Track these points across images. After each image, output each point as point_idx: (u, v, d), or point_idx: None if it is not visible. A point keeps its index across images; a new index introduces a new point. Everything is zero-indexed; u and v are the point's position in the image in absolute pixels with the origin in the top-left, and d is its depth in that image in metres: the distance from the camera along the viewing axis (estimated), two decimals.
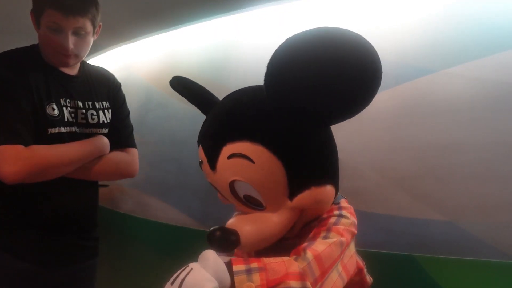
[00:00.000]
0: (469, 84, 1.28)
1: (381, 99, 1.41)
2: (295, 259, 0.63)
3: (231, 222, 0.70)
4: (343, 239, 0.68)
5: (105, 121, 1.20)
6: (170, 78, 0.95)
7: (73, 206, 1.13)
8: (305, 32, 0.64)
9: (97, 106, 1.18)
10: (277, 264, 0.61)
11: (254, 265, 0.60)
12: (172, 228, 2.10)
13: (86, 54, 1.13)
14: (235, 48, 1.92)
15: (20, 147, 0.95)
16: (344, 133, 1.41)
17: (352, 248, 0.74)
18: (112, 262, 2.40)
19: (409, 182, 1.36)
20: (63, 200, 1.10)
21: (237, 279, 0.59)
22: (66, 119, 1.09)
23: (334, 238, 0.67)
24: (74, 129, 1.11)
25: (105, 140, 1.14)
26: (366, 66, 0.64)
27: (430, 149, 1.33)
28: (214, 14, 1.95)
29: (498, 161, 1.22)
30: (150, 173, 2.28)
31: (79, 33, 1.03)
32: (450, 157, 1.30)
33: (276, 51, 0.64)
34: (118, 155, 1.22)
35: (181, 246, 1.99)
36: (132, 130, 1.36)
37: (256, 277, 0.59)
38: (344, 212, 0.74)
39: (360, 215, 1.42)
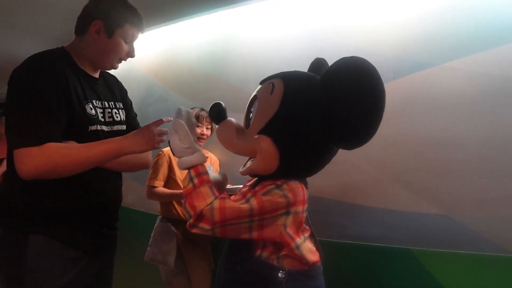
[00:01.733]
0: (468, 78, 1.28)
1: None
2: (220, 198, 0.89)
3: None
4: (255, 207, 0.87)
5: (123, 119, 1.32)
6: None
7: (108, 196, 1.23)
8: (357, 59, 0.89)
9: (117, 105, 1.30)
10: (200, 194, 0.90)
11: (196, 180, 0.92)
12: None
13: None
14: (234, 42, 1.92)
15: (34, 148, 1.02)
16: None
17: (278, 219, 0.90)
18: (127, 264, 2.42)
19: (407, 176, 1.37)
20: (100, 190, 1.18)
21: (187, 176, 0.94)
22: (100, 119, 1.20)
23: (248, 204, 0.87)
24: (108, 127, 1.22)
25: (128, 142, 1.15)
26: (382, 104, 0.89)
27: (428, 143, 1.34)
28: (214, 8, 1.95)
29: (495, 156, 1.23)
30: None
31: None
32: (448, 152, 1.30)
33: (340, 62, 0.89)
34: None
35: None
36: None
37: (188, 186, 0.92)
38: (284, 186, 0.90)
39: (358, 209, 1.45)
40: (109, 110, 1.26)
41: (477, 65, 1.26)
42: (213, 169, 1.84)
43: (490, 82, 1.24)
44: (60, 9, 2.02)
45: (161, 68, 2.27)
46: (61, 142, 1.05)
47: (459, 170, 1.28)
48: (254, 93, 1.00)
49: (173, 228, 1.79)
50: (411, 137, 1.33)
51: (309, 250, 0.94)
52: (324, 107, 0.88)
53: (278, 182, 0.91)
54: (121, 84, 1.42)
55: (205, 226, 0.87)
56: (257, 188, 0.93)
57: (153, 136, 1.11)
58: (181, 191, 1.60)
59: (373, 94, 0.85)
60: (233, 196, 0.94)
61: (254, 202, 0.87)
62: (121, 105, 1.34)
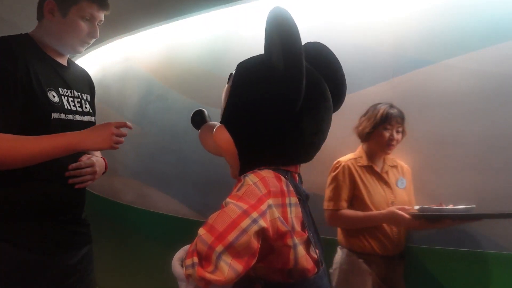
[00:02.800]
0: (466, 76, 1.28)
1: (377, 91, 1.42)
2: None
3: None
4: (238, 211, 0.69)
5: (92, 112, 1.26)
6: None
7: (65, 192, 1.13)
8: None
9: (84, 97, 1.24)
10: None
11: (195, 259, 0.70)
12: (172, 218, 2.12)
13: None
14: (234, 40, 1.92)
15: None
16: (341, 124, 1.41)
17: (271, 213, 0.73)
18: (113, 252, 2.43)
19: None
20: (55, 186, 1.10)
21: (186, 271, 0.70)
22: (65, 107, 1.13)
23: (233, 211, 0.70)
24: (75, 117, 1.15)
25: (82, 138, 1.07)
26: None
27: (426, 140, 1.34)
28: (214, 6, 1.95)
29: (493, 153, 1.23)
30: (150, 164, 2.29)
31: (98, 25, 1.18)
32: (446, 148, 1.30)
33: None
34: (99, 159, 1.27)
35: (181, 236, 2.01)
36: None
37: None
38: (251, 176, 0.75)
39: None
40: (78, 99, 1.19)
41: (475, 63, 1.26)
42: (405, 181, 1.38)
43: (488, 80, 1.24)
44: None
45: (161, 66, 2.27)
46: (12, 131, 0.99)
47: (457, 166, 1.28)
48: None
49: (365, 265, 1.33)
50: (410, 134, 1.33)
51: (305, 255, 0.77)
52: (270, 78, 0.78)
53: (248, 173, 0.78)
54: (91, 79, 1.35)
55: (210, 254, 0.69)
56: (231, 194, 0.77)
57: (111, 136, 1.03)
58: (376, 212, 1.29)
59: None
60: None
61: (232, 200, 0.74)
62: (87, 98, 1.25)
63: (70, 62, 1.25)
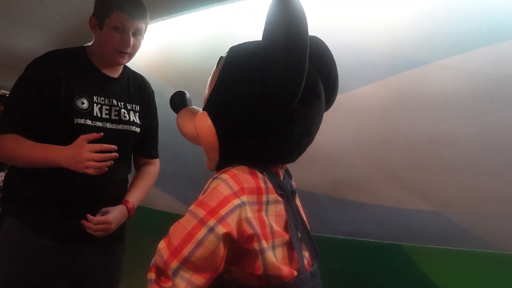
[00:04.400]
0: (461, 76, 1.28)
1: (373, 90, 1.42)
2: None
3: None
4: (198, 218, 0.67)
5: (135, 121, 1.32)
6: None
7: (89, 184, 1.17)
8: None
9: (129, 107, 1.30)
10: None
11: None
12: (168, 215, 2.13)
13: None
14: (232, 38, 1.90)
15: None
16: (336, 123, 1.42)
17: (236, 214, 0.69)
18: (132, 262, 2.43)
19: (399, 173, 1.37)
20: (86, 180, 1.12)
21: None
22: (95, 114, 1.19)
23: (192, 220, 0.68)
24: (105, 124, 1.22)
25: (60, 156, 1.08)
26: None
27: (421, 140, 1.34)
28: (212, 3, 1.95)
29: (488, 154, 1.23)
30: None
31: (136, 35, 1.21)
32: (440, 149, 1.31)
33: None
34: (154, 173, 1.49)
35: None
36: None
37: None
38: (222, 175, 0.72)
39: (350, 204, 1.46)
40: (117, 109, 1.25)
41: (470, 63, 1.26)
42: None
43: (484, 80, 1.24)
44: (60, 2, 2.03)
45: (158, 63, 2.27)
46: (27, 133, 1.11)
47: (452, 167, 1.29)
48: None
49: None
50: (404, 134, 1.34)
51: (275, 261, 0.70)
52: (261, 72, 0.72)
53: (217, 174, 0.73)
54: (149, 90, 1.43)
55: (165, 270, 0.68)
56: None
57: (83, 161, 1.02)
58: None
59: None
60: None
61: (198, 210, 0.70)
62: (137, 108, 1.33)
63: (124, 74, 1.32)
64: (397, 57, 1.39)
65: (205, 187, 0.72)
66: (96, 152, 1.03)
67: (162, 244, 0.68)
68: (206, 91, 0.84)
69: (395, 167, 1.38)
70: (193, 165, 2.04)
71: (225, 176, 0.71)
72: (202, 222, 0.66)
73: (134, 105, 1.33)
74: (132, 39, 1.20)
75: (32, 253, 1.11)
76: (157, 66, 2.27)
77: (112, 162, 1.07)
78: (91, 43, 1.28)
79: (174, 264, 0.64)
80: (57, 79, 1.14)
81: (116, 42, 1.18)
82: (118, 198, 1.28)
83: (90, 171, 1.04)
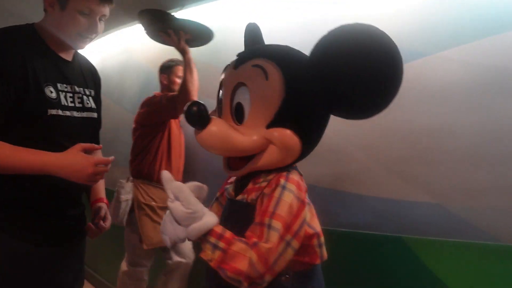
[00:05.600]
0: (461, 68, 1.28)
1: None
2: (253, 246, 0.76)
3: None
4: (284, 232, 0.78)
5: (93, 107, 1.23)
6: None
7: (63, 185, 1.08)
8: (355, 25, 0.79)
9: (87, 92, 1.21)
10: (236, 254, 0.76)
11: (222, 244, 0.77)
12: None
13: None
14: (232, 32, 1.92)
15: None
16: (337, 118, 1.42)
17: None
18: (113, 249, 2.45)
19: (399, 165, 1.38)
20: (53, 179, 1.04)
21: (204, 245, 0.78)
22: (62, 103, 1.10)
23: (276, 232, 0.77)
24: (73, 113, 1.12)
25: (59, 167, 1.01)
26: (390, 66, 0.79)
27: (421, 132, 1.34)
28: None
29: (488, 146, 1.24)
30: None
31: (101, 20, 1.13)
32: (440, 141, 1.31)
33: (331, 32, 0.81)
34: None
35: None
36: None
37: (215, 255, 0.76)
38: (289, 185, 0.82)
39: (351, 197, 1.47)
40: (79, 96, 1.16)
41: (470, 55, 1.26)
42: None
43: (484, 72, 1.24)
44: None
45: (160, 58, 2.27)
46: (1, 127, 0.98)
47: (452, 159, 1.29)
48: (232, 77, 0.87)
49: None
50: (405, 126, 1.34)
51: (325, 251, 0.92)
52: (323, 83, 0.80)
53: (282, 180, 0.82)
54: (97, 75, 1.32)
55: (258, 281, 0.77)
56: (266, 191, 0.83)
57: (88, 175, 0.99)
58: None
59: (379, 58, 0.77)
60: (248, 230, 0.81)
61: (279, 225, 0.77)
62: (91, 93, 1.23)
63: (75, 56, 1.22)
64: None
65: (274, 194, 0.81)
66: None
67: (252, 254, 0.76)
68: (230, 103, 0.87)
69: (396, 159, 1.39)
70: (192, 162, 2.05)
71: (292, 186, 0.81)
72: (281, 238, 0.77)
73: (90, 90, 1.23)
74: (98, 25, 1.12)
75: (6, 257, 1.04)
76: (158, 61, 2.27)
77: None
78: (40, 20, 1.14)
79: (268, 278, 0.77)
80: (24, 64, 1.01)
81: (82, 27, 1.08)
82: (85, 192, 1.27)
83: (92, 183, 1.04)
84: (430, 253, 1.30)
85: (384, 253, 1.38)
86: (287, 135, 0.82)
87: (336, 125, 1.37)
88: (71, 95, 1.13)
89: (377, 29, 0.78)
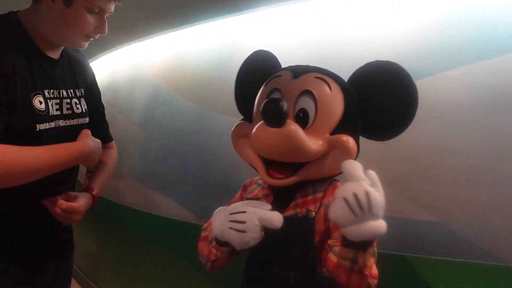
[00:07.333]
0: (465, 87, 1.29)
1: None
2: None
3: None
4: None
5: (85, 110, 1.12)
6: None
7: (44, 199, 1.00)
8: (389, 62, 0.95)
9: (78, 93, 1.09)
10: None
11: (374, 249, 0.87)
12: (174, 222, 2.14)
13: None
14: (240, 48, 1.95)
15: None
16: None
17: None
18: (115, 253, 2.46)
19: (402, 183, 1.38)
20: (35, 192, 0.97)
21: (368, 248, 0.85)
22: (50, 113, 0.98)
23: None
24: (60, 122, 1.00)
25: (91, 145, 0.98)
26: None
27: (424, 150, 1.35)
28: (220, 15, 1.99)
29: (491, 164, 1.24)
30: (155, 168, 2.33)
31: (106, 17, 1.00)
32: (444, 159, 1.31)
33: (368, 64, 0.97)
34: (113, 153, 1.25)
35: (183, 240, 2.04)
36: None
37: (371, 262, 0.87)
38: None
39: None
40: (68, 101, 1.03)
41: (473, 75, 1.27)
42: None
43: (487, 91, 1.25)
44: None
45: (168, 72, 2.32)
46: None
47: (455, 178, 1.29)
48: (296, 85, 0.89)
49: None
50: (408, 144, 1.34)
51: None
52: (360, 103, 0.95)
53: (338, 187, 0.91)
54: (89, 66, 1.18)
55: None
56: (325, 201, 0.90)
57: (100, 156, 1.02)
58: None
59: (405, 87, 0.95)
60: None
61: None
62: (82, 93, 1.10)
63: (63, 51, 1.07)
64: None
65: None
66: None
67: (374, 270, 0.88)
68: (293, 107, 0.89)
69: (398, 177, 1.39)
70: (198, 173, 2.06)
71: None
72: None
73: (81, 89, 1.10)
74: (106, 24, 0.99)
75: None
76: (167, 75, 2.32)
77: None
78: (24, 9, 0.97)
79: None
80: (13, 70, 0.85)
81: (90, 27, 0.95)
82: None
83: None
84: (434, 272, 1.29)
85: (386, 272, 1.37)
86: (351, 142, 0.91)
87: None
88: (57, 101, 1.00)
89: (400, 66, 0.96)
